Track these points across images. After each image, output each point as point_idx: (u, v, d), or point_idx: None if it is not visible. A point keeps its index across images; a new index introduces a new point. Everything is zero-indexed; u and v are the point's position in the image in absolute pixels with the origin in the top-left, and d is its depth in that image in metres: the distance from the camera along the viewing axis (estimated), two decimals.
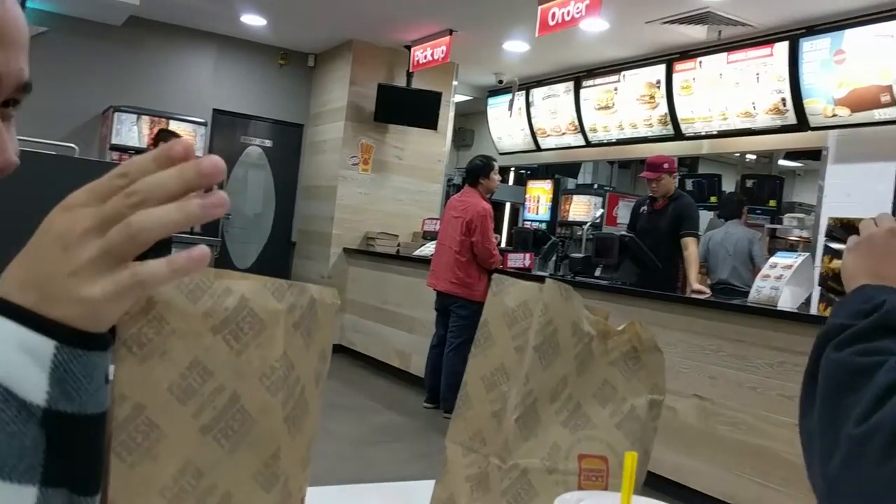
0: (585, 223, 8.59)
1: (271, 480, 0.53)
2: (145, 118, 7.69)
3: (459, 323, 5.39)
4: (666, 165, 5.33)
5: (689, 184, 8.43)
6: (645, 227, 5.45)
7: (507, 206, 10.80)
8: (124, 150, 7.52)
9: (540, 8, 5.69)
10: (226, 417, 0.51)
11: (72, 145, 4.00)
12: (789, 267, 3.95)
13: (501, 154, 8.59)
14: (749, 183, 8.58)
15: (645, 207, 5.56)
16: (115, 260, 0.43)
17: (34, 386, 0.41)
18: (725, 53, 6.17)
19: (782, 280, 3.89)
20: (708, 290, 5.11)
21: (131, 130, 7.63)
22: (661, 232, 5.29)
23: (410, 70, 7.74)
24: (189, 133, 7.67)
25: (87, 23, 7.52)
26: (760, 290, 3.96)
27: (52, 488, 0.42)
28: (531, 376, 0.80)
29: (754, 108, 5.95)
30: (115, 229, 0.43)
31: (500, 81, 8.68)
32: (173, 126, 7.43)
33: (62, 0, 7.13)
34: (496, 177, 5.67)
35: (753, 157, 9.84)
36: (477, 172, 5.60)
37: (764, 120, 5.91)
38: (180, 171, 0.44)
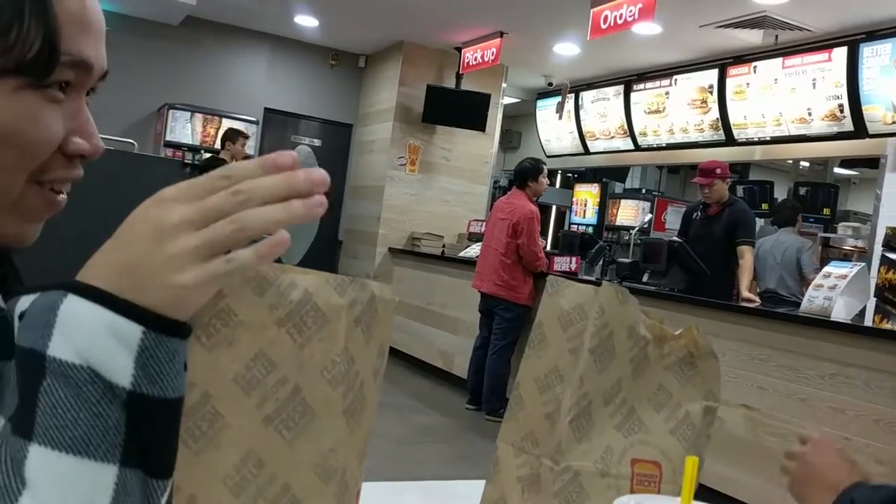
0: (633, 228, 8.50)
1: (329, 473, 0.53)
2: (198, 116, 7.84)
3: (503, 325, 5.36)
4: (718, 171, 5.23)
5: (739, 190, 8.26)
6: (698, 233, 5.33)
7: (554, 209, 10.74)
8: (177, 146, 7.68)
9: (592, 11, 5.64)
10: (287, 409, 0.51)
11: (131, 141, 4.09)
12: (844, 277, 3.85)
13: (549, 157, 8.55)
14: (802, 190, 8.38)
15: (698, 213, 5.44)
16: (213, 251, 0.45)
17: (121, 369, 0.43)
18: (781, 58, 6.04)
19: (836, 290, 3.80)
20: (757, 299, 5.01)
21: (185, 128, 7.77)
22: (715, 238, 5.18)
23: (460, 72, 7.75)
24: None
25: (145, 22, 7.70)
26: (813, 299, 3.87)
27: (130, 469, 0.44)
28: (586, 379, 0.79)
29: (810, 114, 5.82)
30: (222, 223, 0.45)
31: (550, 84, 8.64)
32: (226, 124, 7.56)
33: (124, 0, 7.30)
34: (544, 180, 5.63)
35: (807, 164, 9.63)
36: (525, 175, 5.57)
37: (819, 126, 5.78)
38: (287, 177, 0.46)
